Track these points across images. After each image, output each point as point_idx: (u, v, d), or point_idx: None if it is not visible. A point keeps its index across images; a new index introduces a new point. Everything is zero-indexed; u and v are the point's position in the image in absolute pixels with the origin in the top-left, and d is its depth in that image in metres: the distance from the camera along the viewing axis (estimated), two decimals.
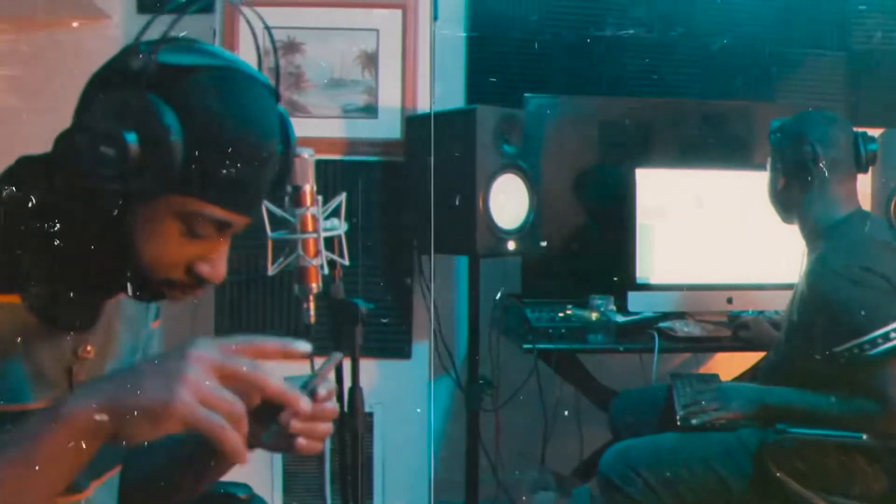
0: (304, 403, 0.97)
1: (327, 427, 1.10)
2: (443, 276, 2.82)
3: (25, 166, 1.07)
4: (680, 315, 2.75)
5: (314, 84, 2.66)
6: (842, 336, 1.97)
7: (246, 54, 1.13)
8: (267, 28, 1.13)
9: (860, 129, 2.22)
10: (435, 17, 2.72)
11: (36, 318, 1.04)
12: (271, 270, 1.56)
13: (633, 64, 3.16)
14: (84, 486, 1.11)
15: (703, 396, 2.21)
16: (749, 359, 2.80)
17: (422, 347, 2.75)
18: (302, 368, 1.15)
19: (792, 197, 2.20)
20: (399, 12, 2.65)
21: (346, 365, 1.63)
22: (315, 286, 1.53)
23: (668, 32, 3.15)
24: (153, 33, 1.02)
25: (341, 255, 1.59)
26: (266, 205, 1.44)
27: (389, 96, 2.66)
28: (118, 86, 0.98)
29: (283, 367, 0.99)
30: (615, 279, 2.78)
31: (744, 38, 3.17)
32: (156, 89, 0.97)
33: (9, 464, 0.89)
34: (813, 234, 2.17)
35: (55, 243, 1.03)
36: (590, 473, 2.79)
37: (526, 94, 2.87)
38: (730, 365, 2.95)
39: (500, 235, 2.45)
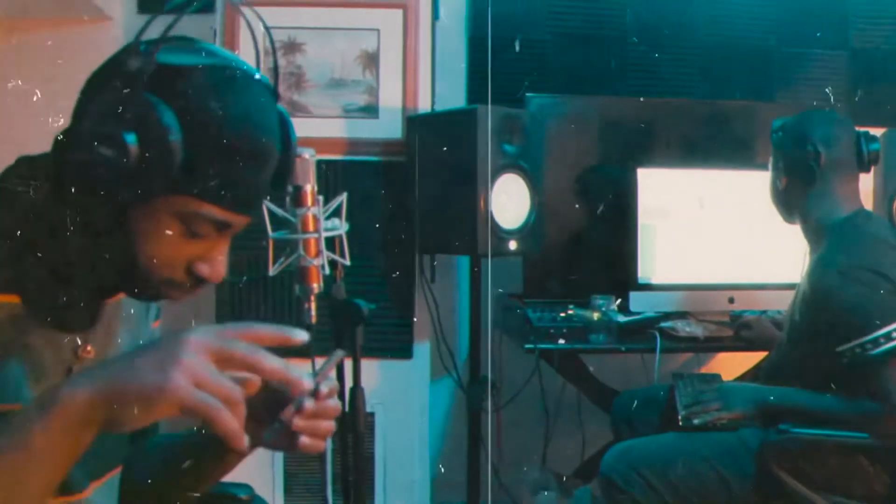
0: (307, 384, 0.95)
1: (330, 425, 1.09)
2: (444, 276, 2.81)
3: (25, 166, 1.07)
4: (682, 315, 2.75)
5: (315, 84, 2.65)
6: (844, 336, 1.97)
7: (246, 54, 1.13)
8: (266, 28, 1.12)
9: (862, 129, 2.21)
10: (436, 17, 2.72)
11: (36, 318, 1.04)
12: (272, 270, 1.56)
13: (634, 63, 3.16)
14: (84, 487, 1.11)
15: (705, 396, 2.21)
16: (751, 359, 2.79)
17: (423, 347, 2.75)
18: (303, 367, 1.15)
19: (794, 197, 2.20)
20: (400, 12, 2.65)
21: (348, 365, 1.63)
22: (316, 286, 1.53)
23: (669, 32, 3.14)
24: (153, 34, 1.02)
25: (342, 255, 1.59)
26: (267, 205, 1.44)
27: (390, 96, 2.66)
28: (117, 86, 0.98)
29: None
30: (617, 279, 2.78)
31: (746, 38, 3.17)
32: (155, 89, 0.97)
33: (3, 453, 0.88)
34: (815, 234, 2.17)
35: (55, 243, 1.03)
36: (591, 474, 2.78)
37: (527, 94, 2.87)
38: (731, 365, 2.94)
39: (502, 235, 2.45)
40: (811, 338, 2.09)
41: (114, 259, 1.03)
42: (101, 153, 0.95)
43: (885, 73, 3.19)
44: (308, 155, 1.50)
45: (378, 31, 2.65)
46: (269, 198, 1.14)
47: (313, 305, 1.54)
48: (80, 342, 1.10)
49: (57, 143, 0.98)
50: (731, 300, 2.78)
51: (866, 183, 2.49)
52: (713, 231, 2.79)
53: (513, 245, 2.48)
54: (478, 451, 2.58)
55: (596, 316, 2.57)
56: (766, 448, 2.03)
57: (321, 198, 1.54)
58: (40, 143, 1.05)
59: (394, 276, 2.69)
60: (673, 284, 2.78)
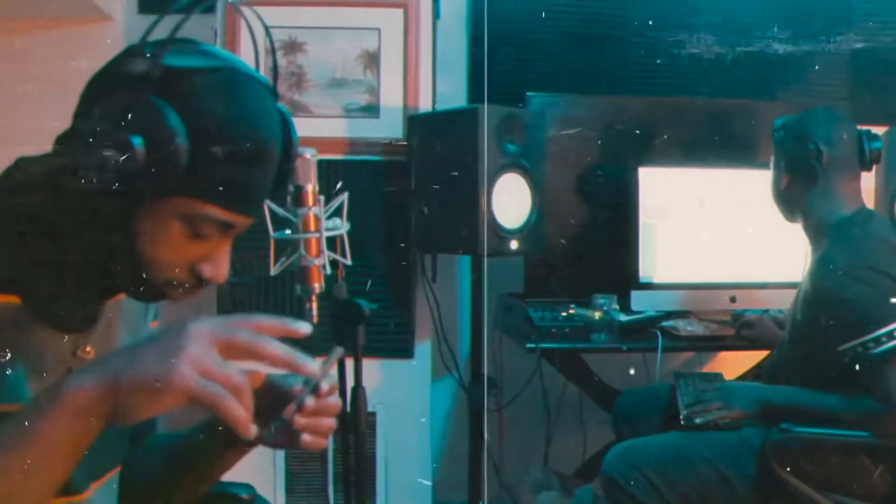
0: (312, 366, 0.95)
1: (331, 422, 1.09)
2: (445, 275, 2.81)
3: (24, 167, 1.07)
4: (683, 314, 2.75)
5: (316, 84, 2.65)
6: (846, 335, 1.96)
7: (247, 55, 1.13)
8: (266, 28, 1.12)
9: (864, 127, 2.21)
10: (437, 16, 2.71)
11: (36, 318, 1.04)
12: (274, 270, 1.56)
13: (635, 62, 3.15)
14: (84, 488, 1.11)
15: (707, 396, 2.21)
16: (752, 358, 2.79)
17: (424, 347, 2.75)
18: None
19: (795, 195, 2.19)
20: (401, 11, 2.64)
21: (349, 365, 1.63)
22: (317, 286, 1.53)
23: (670, 31, 3.14)
24: (153, 34, 1.02)
25: (343, 255, 1.59)
26: (268, 205, 1.44)
27: (391, 96, 2.66)
28: (122, 88, 0.98)
29: None
30: (618, 278, 2.77)
31: (747, 36, 3.17)
32: (160, 92, 0.97)
33: (9, 450, 0.88)
34: (817, 233, 2.17)
35: (56, 244, 1.03)
36: (593, 473, 2.78)
37: (528, 93, 2.87)
38: (733, 364, 2.94)
39: (503, 235, 2.45)
40: (813, 337, 2.08)
41: (117, 260, 1.03)
42: (107, 156, 0.95)
43: (886, 71, 3.19)
44: (309, 155, 1.50)
45: (379, 30, 2.65)
46: (272, 195, 1.14)
47: (314, 305, 1.54)
48: (79, 342, 1.10)
49: (60, 144, 0.99)
50: (733, 299, 2.77)
51: (868, 182, 2.49)
52: (714, 230, 2.78)
53: (514, 245, 2.48)
54: (479, 450, 2.57)
55: (597, 315, 2.57)
56: (768, 447, 2.03)
57: (322, 197, 1.54)
58: (40, 144, 1.04)
59: (395, 275, 2.69)
60: (674, 283, 2.78)
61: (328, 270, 1.55)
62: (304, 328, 0.96)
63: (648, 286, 2.77)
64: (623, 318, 2.65)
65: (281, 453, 2.64)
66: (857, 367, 1.95)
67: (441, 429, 3.08)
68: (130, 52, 1.00)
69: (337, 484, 2.52)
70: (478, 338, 2.57)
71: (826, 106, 2.70)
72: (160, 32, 1.01)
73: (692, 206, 2.78)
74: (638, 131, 2.99)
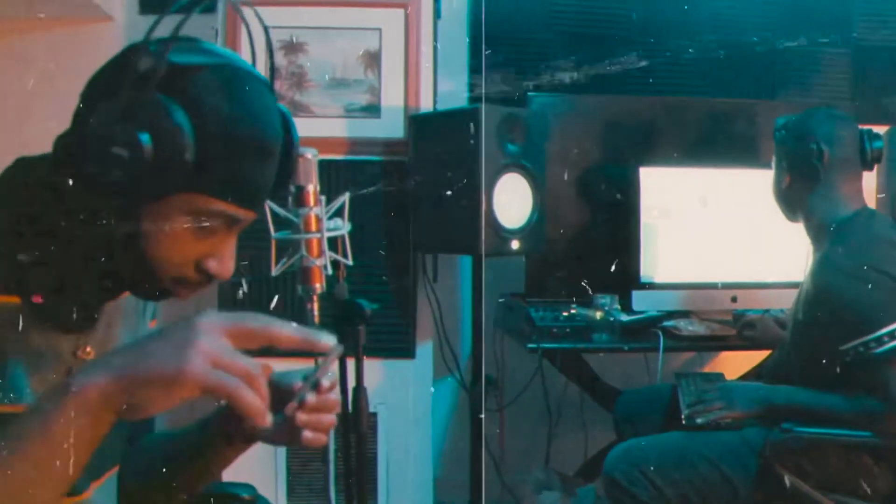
0: (327, 341, 0.96)
1: (331, 418, 1.09)
2: (447, 275, 2.81)
3: (23, 168, 1.07)
4: (684, 314, 2.75)
5: (316, 84, 2.65)
6: (847, 334, 1.96)
7: (247, 54, 1.13)
8: (265, 28, 1.13)
9: (865, 127, 2.21)
10: (438, 16, 2.71)
11: (36, 319, 1.04)
12: (275, 271, 1.56)
13: (636, 62, 3.15)
14: (84, 488, 1.11)
15: (708, 395, 2.21)
16: (754, 358, 2.79)
17: (426, 348, 2.75)
18: (302, 364, 1.15)
19: (797, 195, 2.19)
20: (402, 11, 2.64)
21: (351, 365, 1.63)
22: (319, 286, 1.53)
23: (671, 30, 3.14)
24: (153, 34, 1.02)
25: (345, 255, 1.59)
26: (270, 205, 1.44)
27: (392, 96, 2.66)
28: (126, 86, 0.98)
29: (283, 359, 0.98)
30: (619, 278, 2.77)
31: (748, 35, 3.16)
32: (164, 88, 0.98)
33: (21, 449, 0.88)
34: (818, 233, 2.16)
35: (57, 245, 1.03)
36: (594, 473, 2.78)
37: (529, 93, 2.87)
38: (735, 364, 2.94)
39: (504, 235, 2.45)
40: (814, 336, 2.08)
41: (123, 258, 1.03)
42: (115, 154, 0.95)
43: (888, 71, 3.19)
44: (310, 155, 1.50)
45: (380, 30, 2.65)
46: (273, 195, 1.14)
47: (316, 305, 1.54)
48: (79, 343, 1.10)
49: (63, 143, 0.99)
50: (734, 299, 2.77)
51: (869, 181, 2.49)
52: (716, 230, 2.78)
53: (515, 244, 2.47)
54: (480, 451, 2.57)
55: (598, 315, 2.57)
56: (770, 447, 2.03)
57: (323, 198, 1.54)
58: (40, 144, 1.04)
59: (396, 276, 2.68)
60: (675, 283, 2.78)
61: (329, 271, 1.55)
62: (329, 342, 0.97)
63: (650, 286, 2.76)
64: (624, 317, 2.65)
65: (282, 453, 2.64)
66: (859, 367, 1.95)
67: (442, 429, 3.08)
68: (132, 50, 1.00)
69: (338, 484, 2.52)
70: (479, 338, 2.57)
71: (827, 105, 2.70)
72: (160, 32, 1.01)
73: (693, 206, 2.78)
74: (639, 131, 2.99)
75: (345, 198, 1.57)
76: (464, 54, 3.06)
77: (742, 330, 2.59)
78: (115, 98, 0.97)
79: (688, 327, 2.65)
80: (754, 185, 2.65)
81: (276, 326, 0.92)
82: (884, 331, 1.92)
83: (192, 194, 1.01)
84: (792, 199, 2.21)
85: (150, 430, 1.32)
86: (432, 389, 2.76)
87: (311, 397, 1.06)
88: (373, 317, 1.62)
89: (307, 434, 1.07)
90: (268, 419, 0.89)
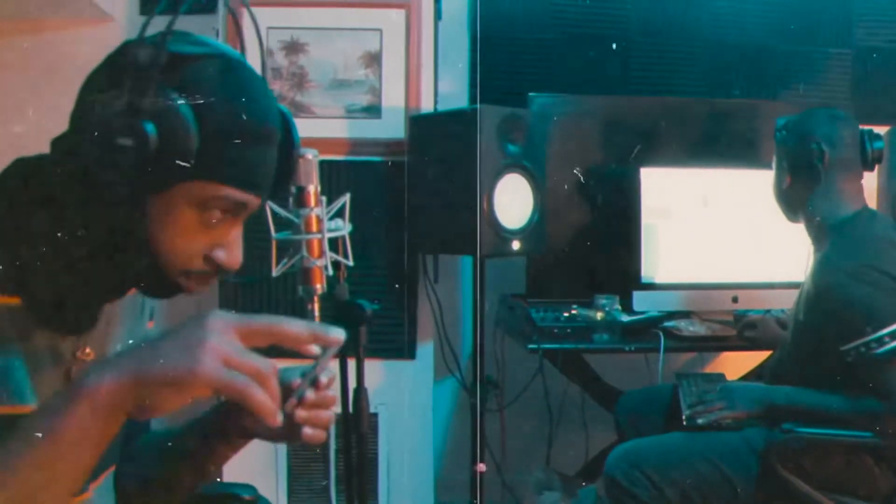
0: (338, 334, 0.97)
1: (330, 415, 1.09)
2: (447, 276, 2.81)
3: (22, 168, 1.07)
4: (685, 314, 2.75)
5: (317, 84, 2.65)
6: (848, 335, 1.96)
7: (249, 54, 1.13)
8: (257, 29, 1.13)
9: (866, 127, 2.21)
10: (438, 17, 2.71)
11: (36, 319, 1.04)
12: (275, 271, 1.56)
13: (637, 63, 3.15)
14: (84, 489, 1.10)
15: (709, 396, 2.21)
16: (755, 358, 2.79)
17: (426, 348, 2.74)
18: (300, 363, 1.15)
19: (797, 195, 2.19)
20: (403, 12, 2.64)
21: (351, 366, 1.63)
22: (319, 287, 1.53)
23: (672, 31, 3.14)
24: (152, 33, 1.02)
25: (345, 256, 1.59)
26: (270, 205, 1.44)
27: (393, 96, 2.66)
28: (127, 78, 0.98)
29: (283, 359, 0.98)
30: (620, 278, 2.77)
31: (748, 36, 3.16)
32: (166, 78, 0.98)
33: (31, 450, 0.88)
34: (819, 233, 2.16)
35: (57, 245, 1.03)
36: (595, 474, 2.77)
37: (530, 94, 2.87)
38: (735, 364, 2.94)
39: (505, 235, 2.45)
40: (815, 337, 2.08)
41: (130, 254, 1.03)
42: (121, 145, 0.95)
43: (889, 71, 3.19)
44: (311, 155, 1.50)
45: (381, 31, 2.65)
46: (273, 195, 1.14)
47: (316, 306, 1.54)
48: (79, 344, 1.09)
49: (64, 142, 0.99)
50: (735, 299, 2.77)
51: (870, 181, 2.49)
52: (716, 230, 2.78)
53: (516, 245, 2.47)
54: (481, 451, 2.57)
55: (599, 316, 2.57)
56: (771, 447, 2.03)
57: (324, 198, 1.54)
58: (40, 144, 1.04)
59: (397, 276, 2.68)
60: (676, 284, 2.78)
61: (330, 271, 1.55)
62: (338, 335, 0.98)
63: (650, 286, 2.76)
64: (625, 318, 2.65)
65: (283, 453, 2.64)
66: (860, 367, 1.95)
67: (442, 429, 3.08)
68: (129, 46, 1.00)
69: (339, 484, 2.52)
70: (480, 339, 2.57)
71: (828, 105, 2.70)
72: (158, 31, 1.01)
73: (694, 207, 2.78)
74: (640, 131, 2.99)
75: (345, 198, 1.57)
76: (464, 55, 3.06)
77: (743, 330, 2.59)
78: (116, 91, 0.97)
79: (689, 328, 2.65)
80: (755, 185, 2.65)
81: (286, 324, 0.93)
82: (885, 331, 1.92)
83: (200, 182, 1.01)
84: (792, 200, 2.21)
85: (147, 429, 1.32)
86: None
87: (309, 394, 1.06)
88: (373, 317, 1.62)
89: (307, 430, 1.07)
90: (279, 418, 0.90)
